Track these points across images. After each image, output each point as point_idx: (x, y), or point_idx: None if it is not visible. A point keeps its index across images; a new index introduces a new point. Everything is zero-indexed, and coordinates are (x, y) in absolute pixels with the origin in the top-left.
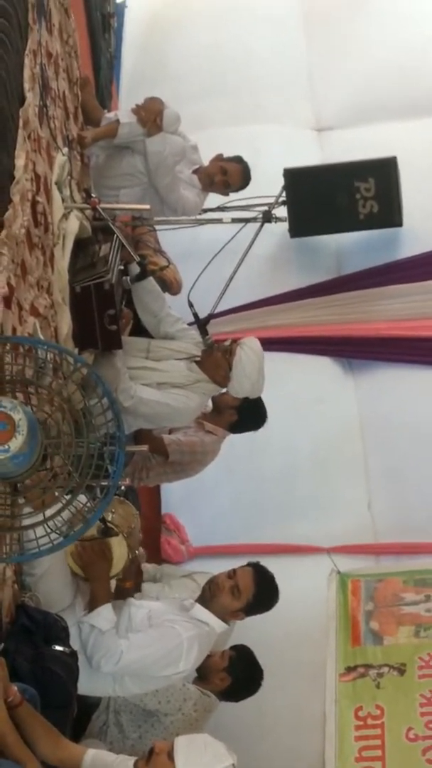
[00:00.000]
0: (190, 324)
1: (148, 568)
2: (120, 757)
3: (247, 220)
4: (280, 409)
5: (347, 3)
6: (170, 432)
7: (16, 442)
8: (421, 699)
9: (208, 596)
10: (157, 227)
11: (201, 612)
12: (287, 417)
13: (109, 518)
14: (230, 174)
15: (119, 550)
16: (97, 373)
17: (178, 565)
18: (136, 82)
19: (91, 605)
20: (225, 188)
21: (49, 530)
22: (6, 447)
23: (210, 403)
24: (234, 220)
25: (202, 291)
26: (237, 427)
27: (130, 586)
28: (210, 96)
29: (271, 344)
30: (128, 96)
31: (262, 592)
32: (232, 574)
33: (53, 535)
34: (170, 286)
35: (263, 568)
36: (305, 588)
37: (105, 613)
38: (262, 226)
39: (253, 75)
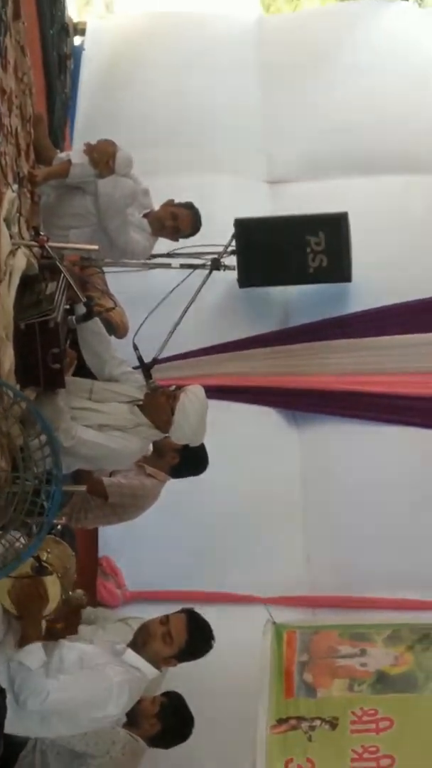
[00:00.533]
0: (134, 368)
1: (85, 610)
2: None
3: (195, 267)
4: (222, 458)
5: (304, 58)
6: (111, 474)
7: None
8: (353, 754)
9: (140, 642)
10: (105, 269)
11: (132, 657)
12: (229, 466)
13: (44, 557)
14: (180, 219)
15: (53, 589)
16: (36, 409)
17: (113, 609)
18: (90, 125)
19: (21, 643)
20: (175, 234)
21: None
22: None
23: (151, 447)
24: (183, 266)
25: (148, 336)
26: (178, 471)
27: (60, 627)
28: (164, 143)
29: (216, 392)
30: (82, 138)
31: (195, 640)
32: (164, 620)
33: None
34: (117, 328)
35: (197, 615)
36: (240, 638)
37: (34, 651)
38: (210, 273)
39: (207, 125)
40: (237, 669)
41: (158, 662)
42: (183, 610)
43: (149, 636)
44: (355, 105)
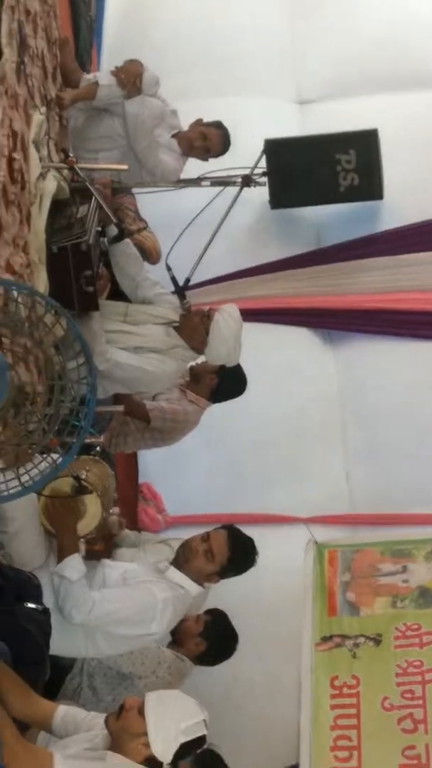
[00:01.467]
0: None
1: (128, 534)
2: (91, 713)
3: (226, 184)
4: (258, 380)
5: None
6: (153, 398)
7: None
8: (397, 669)
9: (181, 560)
10: (135, 191)
11: (175, 575)
12: (265, 387)
13: (83, 476)
14: (210, 138)
15: (93, 508)
16: (75, 324)
17: (154, 534)
18: (118, 50)
19: (59, 556)
20: (205, 153)
21: (18, 474)
22: None
23: (188, 375)
24: (213, 184)
25: (181, 259)
26: (218, 394)
27: (99, 549)
28: (192, 67)
29: (249, 315)
30: (109, 62)
31: (237, 555)
32: (205, 537)
33: (23, 478)
34: (149, 254)
35: (237, 531)
36: (282, 558)
37: (73, 563)
38: (241, 189)
39: (236, 47)
40: (279, 589)
41: (201, 579)
42: (224, 526)
43: (191, 553)
44: (382, 20)
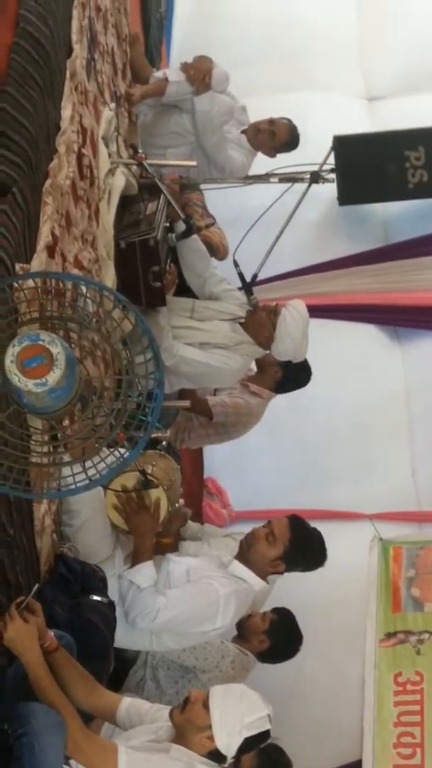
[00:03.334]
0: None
1: (192, 526)
2: (155, 705)
3: (294, 180)
4: (324, 376)
5: None
6: (215, 393)
7: (54, 376)
8: None
9: (245, 546)
10: (203, 186)
11: (239, 568)
12: (332, 383)
13: (150, 470)
14: (276, 125)
15: (159, 502)
16: (143, 317)
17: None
18: (187, 46)
19: (134, 560)
20: (271, 140)
21: (85, 467)
22: (44, 380)
23: (254, 366)
24: (282, 180)
25: (249, 256)
26: (282, 385)
27: (168, 542)
28: (260, 62)
29: (316, 311)
30: (178, 58)
31: (299, 539)
32: (267, 524)
33: (90, 471)
34: (217, 250)
35: (299, 518)
36: (346, 554)
37: (145, 571)
38: (309, 186)
39: (304, 43)
40: (344, 585)
41: (266, 568)
42: (285, 516)
43: (253, 538)
44: None
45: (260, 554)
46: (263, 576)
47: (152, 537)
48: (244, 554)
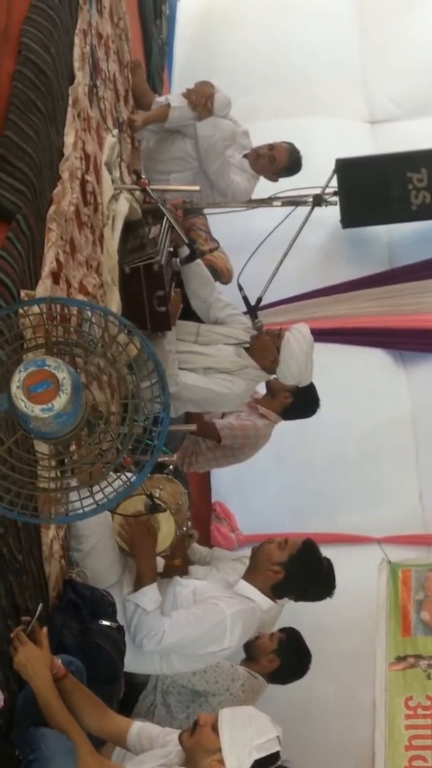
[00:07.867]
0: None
1: (200, 550)
2: (166, 729)
3: (297, 203)
4: (330, 400)
5: None
6: (222, 416)
7: (60, 401)
8: None
9: (252, 566)
10: (207, 211)
11: (246, 587)
12: (338, 407)
13: (157, 494)
14: (276, 149)
15: (167, 526)
16: (148, 341)
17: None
18: (188, 72)
19: (137, 584)
20: (271, 165)
21: (93, 492)
22: (50, 405)
23: (264, 387)
24: (285, 204)
25: (252, 279)
26: (290, 413)
27: (178, 564)
28: (262, 87)
29: (321, 335)
30: (180, 84)
31: (307, 555)
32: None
33: (98, 496)
34: (221, 274)
35: (313, 542)
36: (355, 577)
37: (150, 593)
38: (312, 209)
39: (306, 67)
40: (353, 609)
41: (267, 570)
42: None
43: (267, 542)
44: None
45: (266, 555)
46: (267, 592)
47: (154, 559)
48: (252, 574)
